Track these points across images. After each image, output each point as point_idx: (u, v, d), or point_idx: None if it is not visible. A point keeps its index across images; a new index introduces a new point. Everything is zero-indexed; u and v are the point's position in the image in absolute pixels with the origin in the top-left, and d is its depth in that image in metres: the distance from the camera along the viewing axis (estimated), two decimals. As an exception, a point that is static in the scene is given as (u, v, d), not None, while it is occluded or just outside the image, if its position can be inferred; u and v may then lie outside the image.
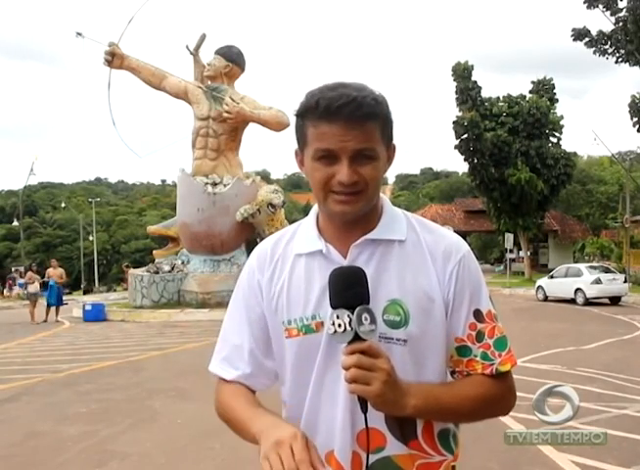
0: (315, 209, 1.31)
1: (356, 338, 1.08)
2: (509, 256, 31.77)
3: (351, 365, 1.08)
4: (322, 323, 1.20)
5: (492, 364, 1.22)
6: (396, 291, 1.19)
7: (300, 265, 1.26)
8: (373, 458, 1.17)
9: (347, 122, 1.13)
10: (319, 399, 1.22)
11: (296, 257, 1.27)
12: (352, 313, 1.07)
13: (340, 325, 1.08)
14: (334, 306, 1.10)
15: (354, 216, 1.20)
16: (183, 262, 19.49)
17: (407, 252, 1.23)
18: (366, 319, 1.08)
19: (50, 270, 18.68)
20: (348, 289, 1.10)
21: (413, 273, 1.21)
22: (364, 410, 1.11)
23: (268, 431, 1.10)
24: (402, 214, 1.29)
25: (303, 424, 1.23)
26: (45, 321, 17.68)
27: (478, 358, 1.22)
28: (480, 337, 1.23)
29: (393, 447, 1.20)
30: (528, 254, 35.14)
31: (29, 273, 18.83)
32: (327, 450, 1.21)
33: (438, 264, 1.22)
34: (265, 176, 38.27)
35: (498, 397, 1.24)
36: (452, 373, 1.26)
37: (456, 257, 1.23)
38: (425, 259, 1.22)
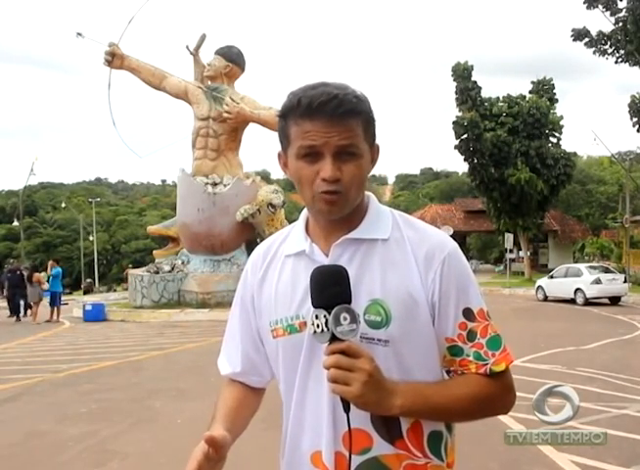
0: (306, 210, 1.31)
1: (335, 338, 1.07)
2: (509, 256, 31.76)
3: (331, 365, 1.08)
4: (305, 323, 1.20)
5: (486, 364, 1.20)
6: (378, 291, 1.18)
7: (288, 266, 1.28)
8: (359, 460, 1.16)
9: (330, 119, 1.14)
10: (304, 399, 1.23)
11: (285, 258, 1.29)
12: (330, 313, 1.07)
13: (318, 325, 1.08)
14: (314, 306, 1.10)
15: (339, 216, 1.21)
16: (183, 262, 19.48)
17: (390, 251, 1.22)
18: (345, 319, 1.06)
19: (35, 274, 18.94)
20: (327, 288, 1.10)
21: (396, 273, 1.20)
22: (346, 410, 1.10)
23: None
24: (389, 213, 1.28)
25: (291, 422, 1.25)
26: (48, 321, 17.70)
27: (470, 358, 1.20)
28: (471, 336, 1.20)
29: (380, 447, 1.18)
30: (528, 254, 35.12)
31: (36, 274, 18.86)
32: (314, 451, 1.21)
33: (421, 265, 1.20)
34: (265, 176, 38.13)
35: (494, 396, 1.22)
36: (448, 372, 1.25)
37: (440, 256, 1.21)
38: (408, 259, 1.21)
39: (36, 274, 18.87)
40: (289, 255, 1.28)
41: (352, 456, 1.13)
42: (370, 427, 1.17)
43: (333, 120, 1.14)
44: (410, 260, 1.21)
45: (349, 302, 1.09)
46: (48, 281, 19.04)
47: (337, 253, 1.22)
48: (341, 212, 1.20)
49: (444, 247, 1.23)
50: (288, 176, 1.27)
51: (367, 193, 1.27)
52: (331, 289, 1.09)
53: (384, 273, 1.20)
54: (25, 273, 19.30)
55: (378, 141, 1.26)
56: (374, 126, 1.23)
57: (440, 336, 1.21)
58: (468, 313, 1.21)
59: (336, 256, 1.21)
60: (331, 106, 1.14)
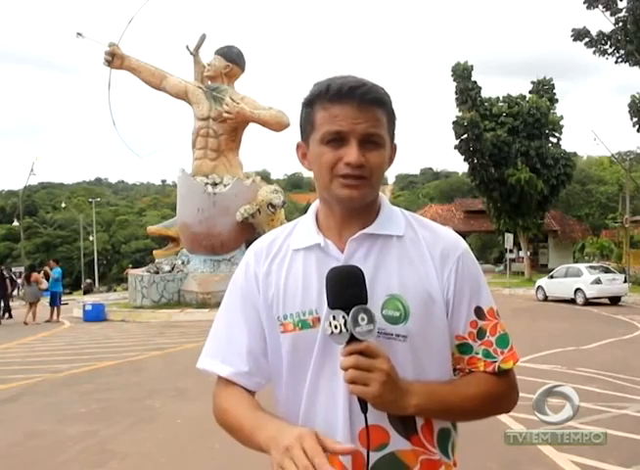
0: (314, 205, 1.30)
1: (353, 339, 1.07)
2: (509, 256, 31.74)
3: (349, 366, 1.07)
4: (319, 318, 1.19)
5: (495, 362, 1.22)
6: (396, 286, 1.18)
7: (298, 260, 1.25)
8: (377, 456, 1.16)
9: (359, 104, 1.16)
10: (316, 397, 1.21)
11: (293, 252, 1.26)
12: (348, 314, 1.06)
13: (336, 326, 1.07)
14: (331, 307, 1.09)
15: (359, 204, 1.20)
16: (183, 262, 19.48)
17: (406, 248, 1.22)
18: (363, 320, 1.06)
19: (34, 274, 18.92)
20: (345, 290, 1.09)
21: (413, 269, 1.20)
22: (364, 410, 1.10)
23: (276, 439, 1.06)
24: (400, 212, 1.29)
25: (301, 422, 1.22)
26: (48, 321, 17.73)
27: (479, 356, 1.22)
28: (481, 334, 1.22)
29: (397, 443, 1.18)
30: (528, 254, 35.13)
31: (35, 274, 18.86)
32: None
33: (437, 263, 1.21)
34: (265, 176, 38.22)
35: (501, 394, 1.24)
36: (454, 371, 1.25)
37: (454, 255, 1.23)
38: (424, 257, 1.22)
39: (34, 274, 18.84)
40: (297, 249, 1.25)
41: (370, 453, 1.13)
42: (387, 423, 1.18)
43: (361, 106, 1.15)
44: (426, 258, 1.22)
45: (366, 302, 1.09)
46: (48, 280, 19.02)
47: (352, 247, 1.21)
48: (360, 199, 1.19)
49: (459, 246, 1.25)
50: (305, 167, 1.26)
51: (379, 193, 1.28)
52: (349, 290, 1.09)
53: (401, 269, 1.20)
54: (7, 274, 19.29)
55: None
56: (395, 124, 1.24)
57: (451, 333, 1.22)
58: (479, 312, 1.23)
59: (351, 250, 1.21)
60: (361, 91, 1.15)
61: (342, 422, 1.18)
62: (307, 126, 1.22)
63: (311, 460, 0.99)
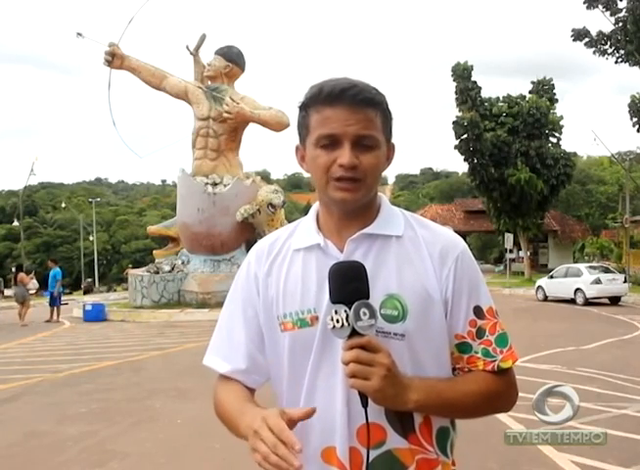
0: (315, 206, 1.32)
1: (355, 333, 1.08)
2: (509, 256, 31.81)
3: (350, 360, 1.08)
4: (317, 317, 1.21)
5: (494, 361, 1.22)
6: (394, 285, 1.19)
7: (298, 260, 1.27)
8: (374, 454, 1.17)
9: (350, 106, 1.17)
10: (314, 394, 1.22)
11: (294, 252, 1.28)
12: (350, 309, 1.07)
13: (337, 320, 1.08)
14: (333, 302, 1.11)
15: (354, 206, 1.21)
16: (183, 262, 19.48)
17: (405, 247, 1.23)
18: (365, 314, 1.08)
19: (20, 274, 18.84)
20: (347, 284, 1.10)
21: (411, 269, 1.21)
22: (364, 405, 1.11)
23: (250, 426, 1.11)
24: (400, 212, 1.30)
25: None
26: (48, 321, 17.72)
27: (479, 355, 1.23)
28: (480, 333, 1.23)
29: (394, 441, 1.19)
30: (528, 254, 35.13)
31: (21, 275, 18.80)
32: (325, 446, 1.20)
33: (436, 262, 1.22)
34: (265, 176, 38.25)
35: (500, 392, 1.25)
36: (453, 370, 1.26)
37: (453, 254, 1.23)
38: (422, 256, 1.23)
39: (21, 274, 18.76)
40: (298, 249, 1.27)
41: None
42: (384, 421, 1.18)
43: (352, 108, 1.16)
44: (425, 258, 1.23)
45: (368, 297, 1.10)
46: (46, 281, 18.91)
47: (351, 247, 1.22)
48: (355, 202, 1.20)
49: (457, 246, 1.26)
50: (304, 170, 1.27)
51: (379, 193, 1.29)
52: (351, 284, 1.10)
53: (399, 269, 1.21)
54: None
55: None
56: (391, 123, 1.25)
57: (450, 332, 1.23)
58: (478, 311, 1.23)
59: (350, 250, 1.22)
60: (351, 93, 1.17)
61: (339, 419, 1.19)
62: (303, 130, 1.24)
63: (278, 437, 1.04)
